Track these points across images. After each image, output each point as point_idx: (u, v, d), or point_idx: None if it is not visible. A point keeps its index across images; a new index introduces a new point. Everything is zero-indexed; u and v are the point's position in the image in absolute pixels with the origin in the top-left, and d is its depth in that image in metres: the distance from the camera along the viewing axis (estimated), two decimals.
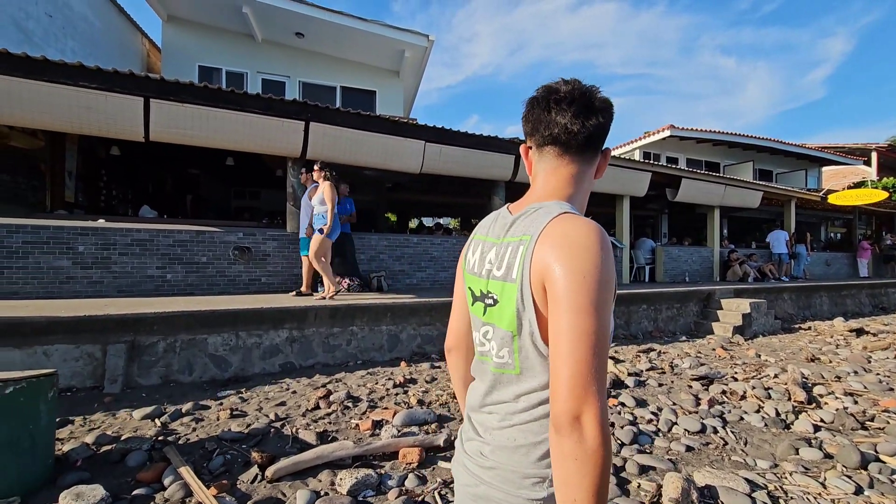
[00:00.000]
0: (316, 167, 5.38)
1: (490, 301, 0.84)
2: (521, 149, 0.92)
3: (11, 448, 2.21)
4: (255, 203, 12.46)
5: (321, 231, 5.09)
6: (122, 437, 2.87)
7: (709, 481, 2.58)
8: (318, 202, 5.25)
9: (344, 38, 10.38)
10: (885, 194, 12.38)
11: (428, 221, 18.19)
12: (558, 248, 0.70)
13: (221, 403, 3.59)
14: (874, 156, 18.90)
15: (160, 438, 2.89)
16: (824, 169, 18.94)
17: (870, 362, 5.52)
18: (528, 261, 0.74)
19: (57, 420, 3.04)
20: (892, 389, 4.41)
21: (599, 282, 0.66)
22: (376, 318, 5.13)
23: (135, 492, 2.30)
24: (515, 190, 9.02)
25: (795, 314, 9.44)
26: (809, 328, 8.06)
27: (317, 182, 5.39)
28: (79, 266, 5.19)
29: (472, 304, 0.90)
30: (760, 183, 11.58)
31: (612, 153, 8.97)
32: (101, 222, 5.44)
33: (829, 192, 13.02)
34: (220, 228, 5.95)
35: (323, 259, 5.19)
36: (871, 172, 19.16)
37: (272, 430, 3.08)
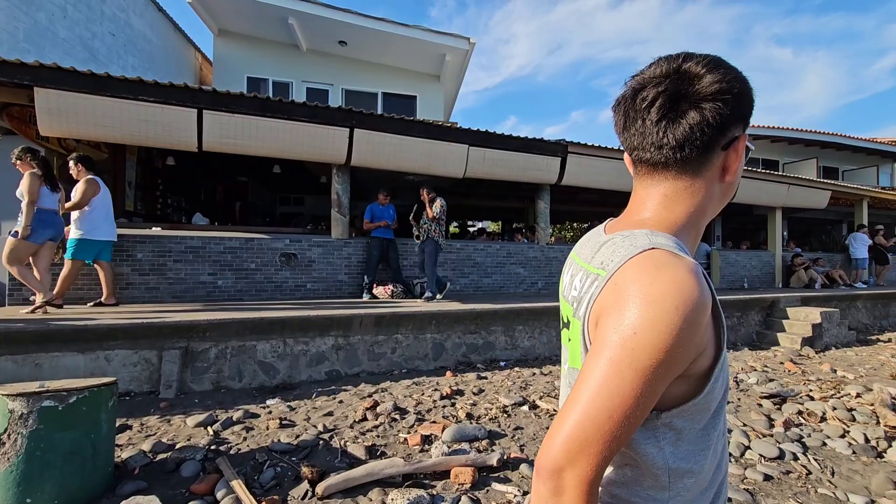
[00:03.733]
0: (14, 152, 4.39)
1: (567, 333, 0.75)
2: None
3: (74, 457, 2.25)
4: (300, 209, 12.76)
5: (15, 234, 4.18)
6: (177, 446, 2.90)
7: None
8: (19, 195, 4.22)
9: (385, 44, 10.47)
10: None
11: (472, 225, 18.07)
12: (621, 293, 0.59)
13: (270, 412, 3.59)
14: None
15: (213, 448, 2.90)
16: None
17: None
18: (594, 300, 0.63)
19: (116, 426, 3.13)
20: None
21: (654, 347, 0.53)
22: (421, 326, 5.05)
23: None
24: (562, 192, 8.79)
25: (871, 325, 8.65)
26: (889, 340, 7.35)
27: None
28: (137, 273, 5.40)
29: (562, 330, 0.79)
30: (828, 181, 10.74)
31: None
32: (157, 230, 5.65)
33: None
34: (268, 235, 6.06)
35: (17, 266, 4.26)
36: None
37: (321, 441, 3.03)
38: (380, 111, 10.30)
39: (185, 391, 4.03)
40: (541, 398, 3.97)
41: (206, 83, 11.78)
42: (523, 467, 2.71)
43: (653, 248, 0.61)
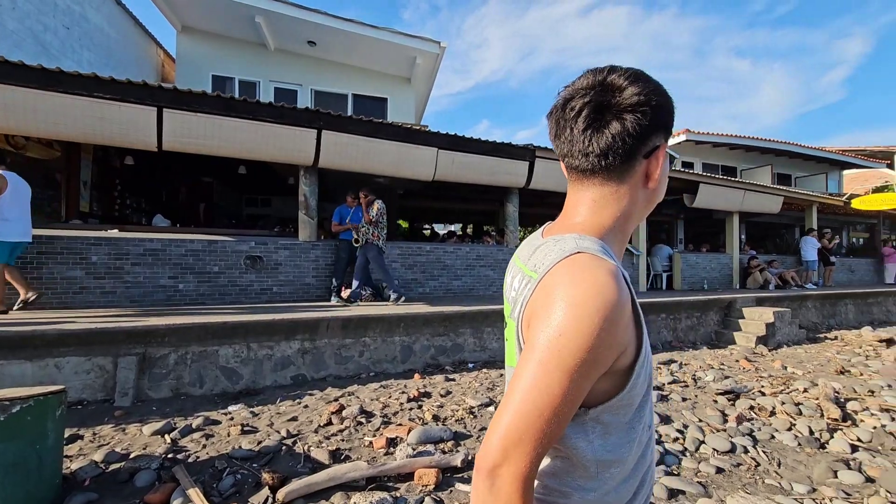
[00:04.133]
0: None
1: (507, 332, 0.79)
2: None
3: (18, 469, 2.15)
4: (267, 211, 12.51)
5: None
6: (132, 455, 2.80)
7: None
8: None
9: (355, 45, 10.40)
10: None
11: (440, 228, 18.12)
12: (549, 296, 0.62)
13: (232, 418, 3.51)
14: None
15: (170, 456, 2.81)
16: (845, 172, 18.50)
17: None
18: (527, 302, 0.66)
19: (66, 436, 2.99)
20: None
21: (578, 347, 0.56)
22: (389, 328, 5.03)
23: None
24: (530, 196, 8.93)
25: (820, 323, 9.14)
26: (836, 338, 7.78)
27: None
28: (92, 276, 5.18)
29: (505, 331, 0.82)
30: (781, 188, 11.30)
31: None
32: (114, 232, 5.44)
33: (853, 196, 12.66)
34: (233, 237, 5.92)
35: None
36: (895, 176, 18.65)
37: (283, 447, 2.98)
38: (350, 113, 10.24)
39: (143, 399, 3.88)
40: None
41: (169, 81, 11.40)
42: None
43: (578, 252, 0.64)
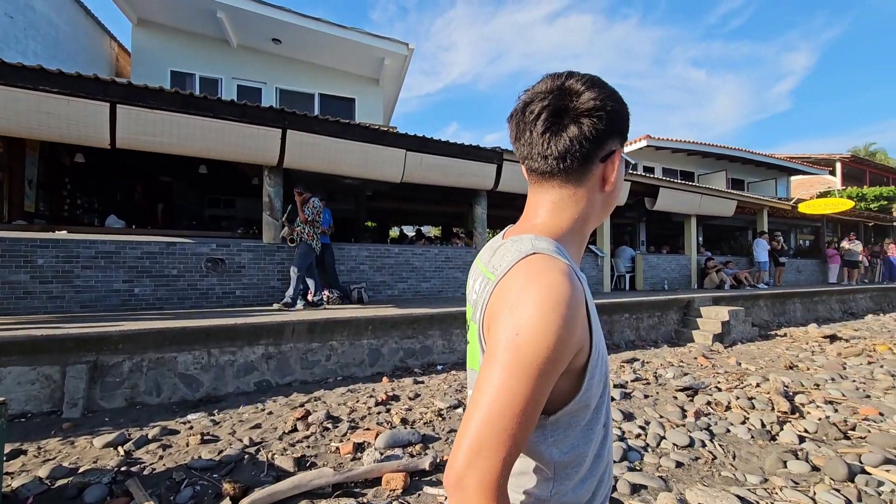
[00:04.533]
0: None
1: (468, 335, 0.79)
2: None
3: None
4: (231, 212, 12.11)
5: None
6: (81, 469, 2.64)
7: (701, 500, 2.52)
8: None
9: (322, 45, 10.23)
10: (851, 203, 12.84)
11: (409, 229, 18.05)
12: (505, 297, 0.63)
13: (192, 427, 3.37)
14: (838, 166, 19.65)
15: (123, 469, 2.67)
16: (792, 178, 19.60)
17: (845, 369, 5.61)
18: (486, 304, 0.67)
19: (6, 451, 2.80)
20: (868, 397, 4.47)
21: (537, 345, 0.57)
22: (357, 331, 4.97)
23: None
24: (499, 198, 9.01)
25: (771, 321, 9.62)
26: (785, 335, 8.21)
27: None
28: (38, 280, 4.88)
29: (467, 333, 0.82)
30: (735, 192, 11.85)
31: None
32: (62, 233, 5.14)
33: (800, 200, 13.43)
34: (192, 239, 5.71)
35: None
36: (836, 182, 19.91)
37: (246, 456, 2.89)
38: (316, 112, 10.05)
39: (94, 409, 3.68)
40: None
41: (125, 76, 10.90)
42: None
43: (534, 253, 0.65)
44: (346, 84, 11.43)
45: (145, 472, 2.66)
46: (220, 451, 2.92)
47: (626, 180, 9.35)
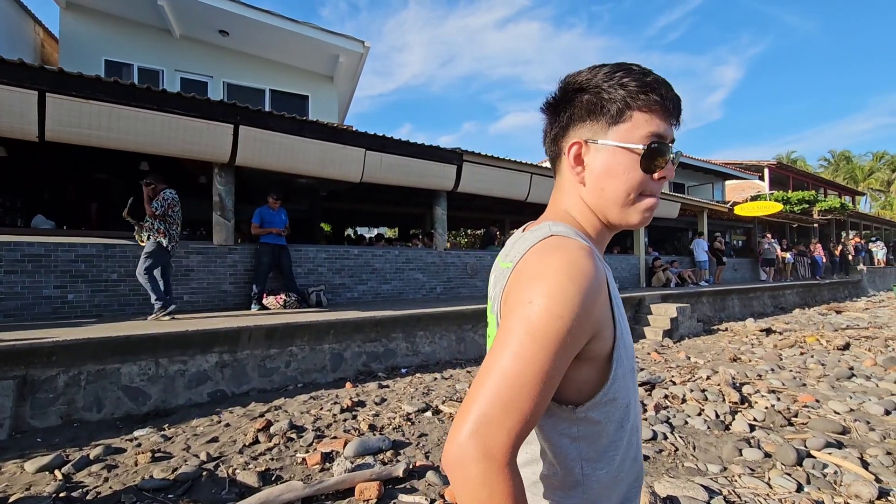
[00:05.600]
0: None
1: (488, 331, 0.76)
2: None
3: None
4: None
5: None
6: (11, 499, 2.36)
7: (670, 492, 2.60)
8: None
9: (274, 39, 9.85)
10: (780, 206, 13.91)
11: (364, 231, 17.74)
12: (522, 275, 0.61)
13: (139, 444, 3.10)
14: (766, 172, 21.24)
15: (62, 495, 2.40)
16: (727, 183, 21.01)
17: (781, 359, 6.03)
18: (503, 290, 0.65)
19: None
20: (805, 385, 4.82)
21: (550, 314, 0.53)
22: (318, 336, 4.79)
23: None
24: (457, 199, 9.03)
25: (713, 316, 10.22)
26: (726, 329, 8.74)
27: None
28: None
29: (488, 328, 0.79)
30: (678, 195, 12.52)
31: (540, 165, 9.13)
32: None
33: (735, 203, 14.38)
34: (133, 241, 5.29)
35: None
36: (765, 186, 21.52)
37: (204, 472, 2.69)
38: (268, 109, 9.66)
39: (23, 429, 3.31)
40: (443, 403, 3.99)
41: (52, 64, 9.99)
42: (430, 475, 2.67)
43: (551, 236, 0.64)
44: (299, 80, 11.07)
45: (88, 497, 2.41)
46: (175, 469, 2.70)
47: None
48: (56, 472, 2.67)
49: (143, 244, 4.96)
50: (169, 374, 3.95)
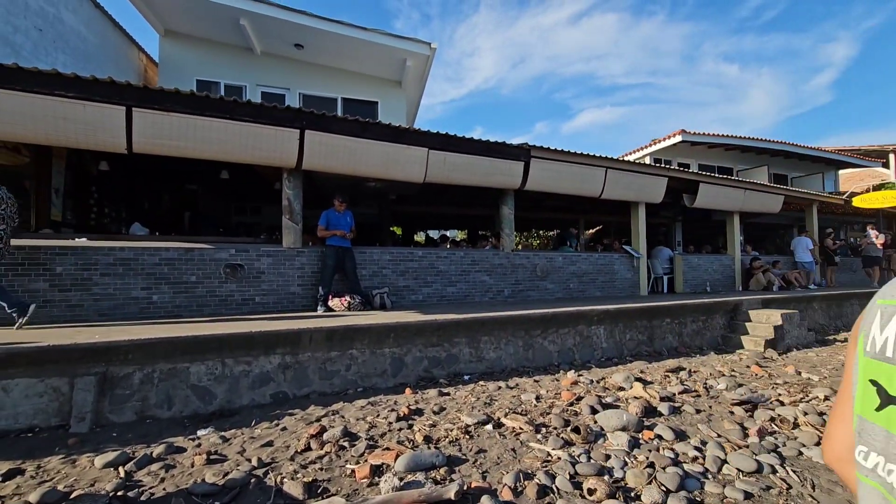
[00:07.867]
0: None
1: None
2: None
3: None
4: (257, 219, 12.15)
5: None
6: (73, 494, 2.42)
7: None
8: None
9: (344, 48, 10.13)
10: None
11: (434, 234, 17.79)
12: None
13: (199, 444, 3.13)
14: (892, 157, 18.27)
15: (119, 494, 2.43)
16: (841, 172, 18.36)
17: None
18: None
19: (4, 472, 2.62)
20: None
21: None
22: (378, 339, 4.67)
23: None
24: (527, 199, 8.61)
25: (827, 325, 8.84)
26: (846, 340, 7.47)
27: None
28: (57, 289, 4.80)
29: (878, 408, 0.58)
30: (782, 187, 11.05)
31: (625, 158, 8.41)
32: (81, 241, 5.06)
33: (853, 194, 12.44)
34: (211, 245, 5.56)
35: None
36: (890, 174, 18.53)
37: (253, 479, 2.61)
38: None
39: (102, 423, 3.50)
40: (506, 415, 3.66)
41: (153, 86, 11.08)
42: (485, 500, 2.38)
43: None
44: (368, 87, 11.30)
45: (142, 498, 2.41)
46: (226, 474, 2.65)
47: (662, 175, 8.79)
48: (119, 468, 2.73)
49: None
50: (234, 375, 4.02)
